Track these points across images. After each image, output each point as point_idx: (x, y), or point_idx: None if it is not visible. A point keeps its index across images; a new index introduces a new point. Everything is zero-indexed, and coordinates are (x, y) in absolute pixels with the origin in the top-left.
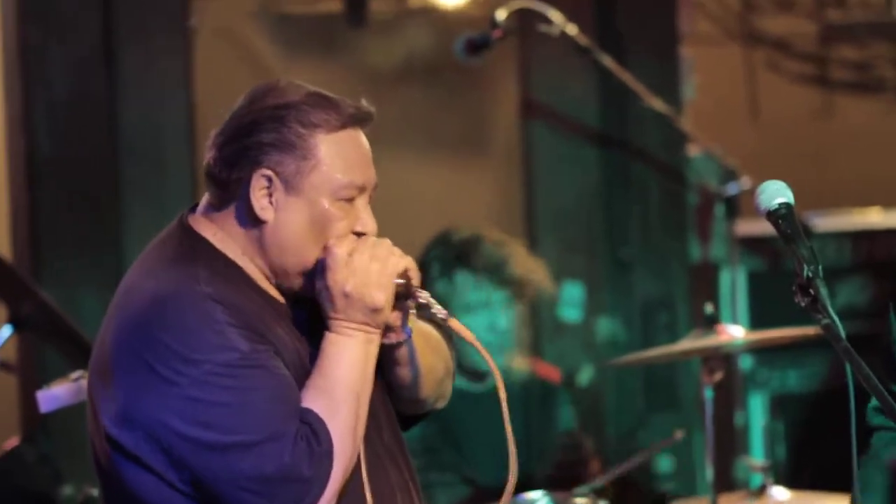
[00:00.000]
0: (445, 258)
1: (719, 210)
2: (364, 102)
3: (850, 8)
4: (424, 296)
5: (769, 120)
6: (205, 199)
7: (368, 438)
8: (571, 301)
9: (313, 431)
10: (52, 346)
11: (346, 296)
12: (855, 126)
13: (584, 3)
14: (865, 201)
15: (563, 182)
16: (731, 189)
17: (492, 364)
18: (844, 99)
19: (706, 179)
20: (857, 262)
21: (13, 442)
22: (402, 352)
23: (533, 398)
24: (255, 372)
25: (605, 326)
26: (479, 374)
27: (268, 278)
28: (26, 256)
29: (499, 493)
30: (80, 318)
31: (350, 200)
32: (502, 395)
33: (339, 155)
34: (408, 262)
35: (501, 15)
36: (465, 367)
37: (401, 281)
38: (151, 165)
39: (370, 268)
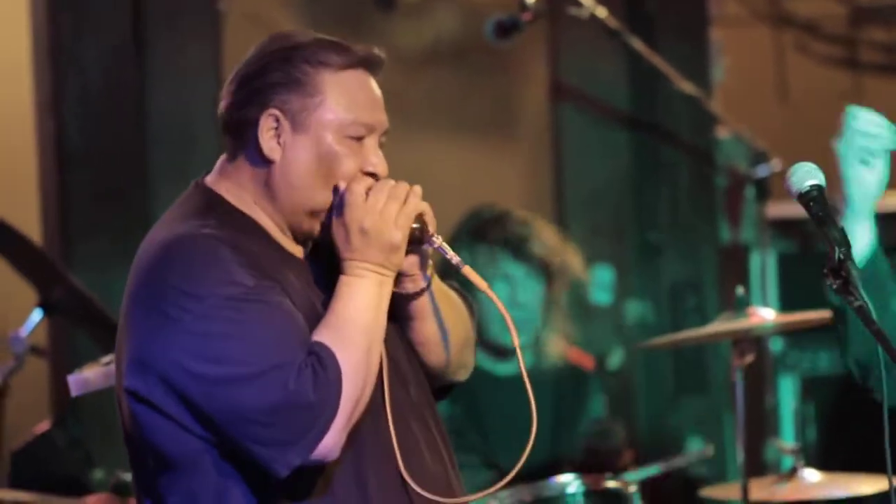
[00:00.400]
0: (465, 231)
1: (749, 192)
2: (376, 50)
3: None
4: (439, 241)
5: (798, 102)
6: (220, 160)
7: (394, 393)
8: (601, 284)
9: (319, 360)
10: (82, 330)
11: (364, 233)
12: (884, 108)
13: None
14: (894, 183)
15: (592, 165)
16: (761, 171)
17: (506, 314)
18: (873, 80)
19: (736, 162)
20: (886, 244)
21: (44, 426)
22: (421, 304)
23: (564, 384)
24: (259, 306)
25: (635, 309)
26: (501, 351)
27: (282, 230)
28: (56, 241)
29: (520, 478)
30: (109, 302)
31: (359, 140)
32: (517, 344)
33: (344, 92)
34: (425, 207)
35: None
36: (487, 341)
37: (416, 225)
38: (180, 151)
39: (389, 206)
